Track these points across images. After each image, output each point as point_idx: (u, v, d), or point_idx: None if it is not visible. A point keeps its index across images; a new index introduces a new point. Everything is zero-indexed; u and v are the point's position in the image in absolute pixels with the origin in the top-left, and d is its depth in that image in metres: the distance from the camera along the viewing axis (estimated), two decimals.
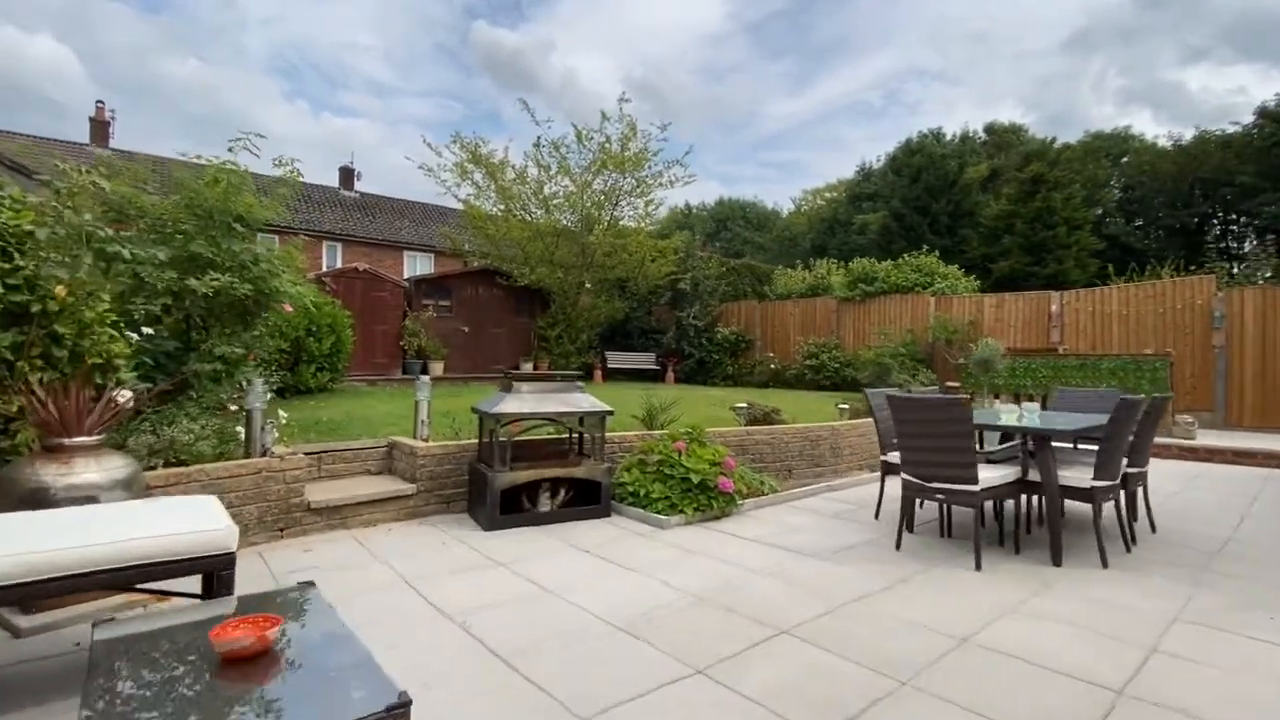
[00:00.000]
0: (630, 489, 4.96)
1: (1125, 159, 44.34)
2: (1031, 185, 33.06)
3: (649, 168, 16.01)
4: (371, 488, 4.69)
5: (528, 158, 15.35)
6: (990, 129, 48.65)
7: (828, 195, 57.96)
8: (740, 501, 5.07)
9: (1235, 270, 12.52)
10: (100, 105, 24.16)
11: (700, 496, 4.81)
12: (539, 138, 15.27)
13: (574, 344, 16.31)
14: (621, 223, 16.71)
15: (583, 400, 4.88)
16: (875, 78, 77.45)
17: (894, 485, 4.75)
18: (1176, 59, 59.50)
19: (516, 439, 4.96)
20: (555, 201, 15.99)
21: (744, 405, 6.53)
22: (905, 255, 14.39)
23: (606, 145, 15.37)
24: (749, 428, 6.24)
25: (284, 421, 5.22)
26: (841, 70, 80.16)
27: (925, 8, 71.33)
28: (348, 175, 28.91)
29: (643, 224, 16.77)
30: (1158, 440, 8.71)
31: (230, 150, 5.36)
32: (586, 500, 4.92)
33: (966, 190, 37.28)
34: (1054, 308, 11.65)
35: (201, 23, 70.08)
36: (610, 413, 4.93)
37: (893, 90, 76.97)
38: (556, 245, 15.63)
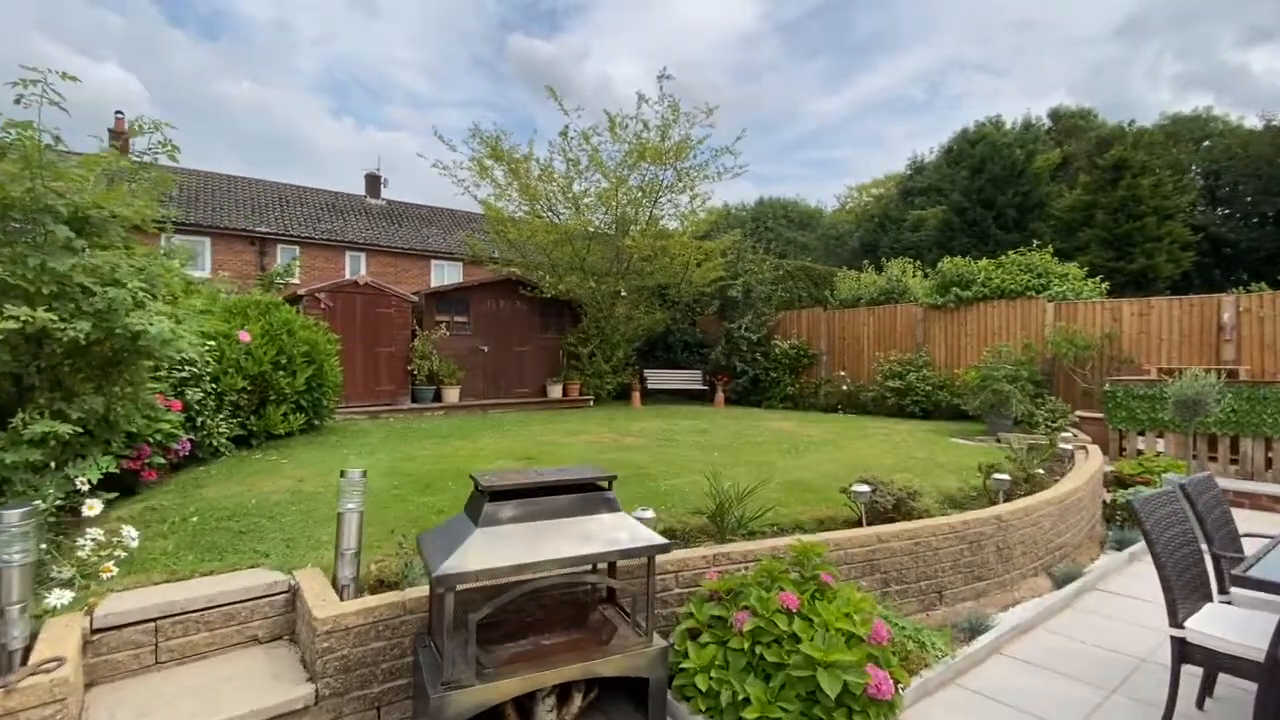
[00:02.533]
0: (696, 682, 2.77)
1: (1206, 143, 40.48)
2: (1114, 172, 29.80)
3: (692, 157, 13.83)
4: (236, 691, 2.61)
5: (554, 149, 13.31)
6: (1055, 114, 45.11)
7: (875, 191, 55.19)
8: (901, 698, 2.83)
9: None
10: (119, 116, 23.16)
11: (837, 713, 2.58)
12: (566, 127, 13.23)
13: (609, 362, 14.20)
14: (661, 222, 14.55)
15: (615, 528, 2.71)
16: (916, 72, 74.51)
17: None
18: (1238, 40, 55.17)
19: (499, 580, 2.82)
20: (586, 200, 13.93)
21: (864, 487, 4.26)
22: (1010, 252, 11.82)
23: (643, 134, 13.25)
24: (878, 529, 3.98)
25: (127, 544, 3.19)
26: (881, 66, 77.41)
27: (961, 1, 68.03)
28: (374, 183, 27.49)
29: (686, 223, 14.56)
30: None
31: (19, 101, 3.29)
32: (624, 698, 2.77)
33: (1036, 180, 34.07)
34: (1226, 316, 8.99)
35: (256, 45, 72.62)
36: (664, 547, 2.74)
37: (935, 84, 73.64)
38: (588, 250, 13.56)
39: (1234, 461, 7.64)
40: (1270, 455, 7.41)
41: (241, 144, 70.49)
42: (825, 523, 4.34)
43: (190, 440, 5.78)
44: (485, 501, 2.54)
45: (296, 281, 13.90)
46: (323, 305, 10.70)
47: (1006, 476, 4.92)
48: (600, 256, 13.87)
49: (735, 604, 2.99)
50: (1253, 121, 38.92)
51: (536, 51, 78.36)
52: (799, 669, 2.65)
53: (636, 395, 14.38)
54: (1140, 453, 8.26)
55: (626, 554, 2.69)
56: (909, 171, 48.51)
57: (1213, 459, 7.81)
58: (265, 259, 21.28)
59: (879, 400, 12.24)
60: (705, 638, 2.94)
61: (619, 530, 2.73)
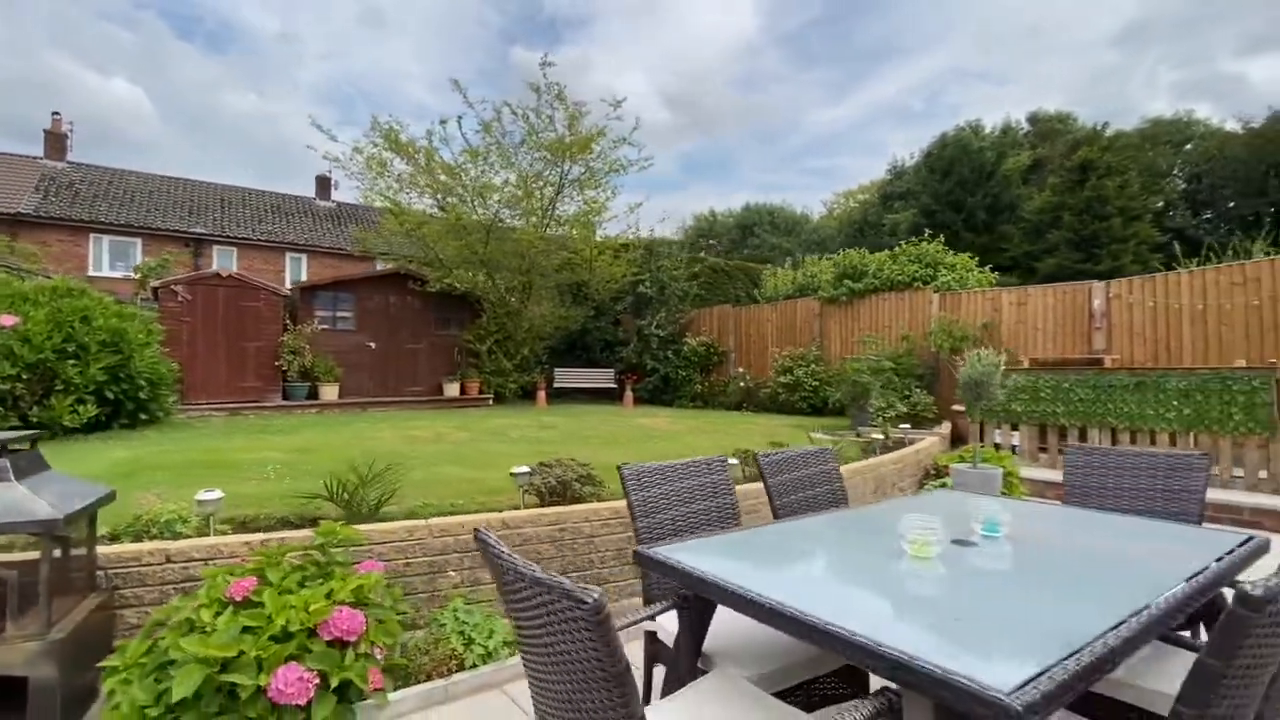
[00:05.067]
0: (106, 686, 2.32)
1: (1188, 146, 40.16)
2: (1080, 173, 29.35)
3: (599, 146, 13.41)
4: None
5: (432, 137, 12.93)
6: (1034, 118, 44.72)
7: (861, 197, 55.01)
8: (355, 708, 2.36)
9: None
10: (56, 117, 22.97)
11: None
12: (459, 118, 12.87)
13: (512, 360, 13.77)
14: (568, 217, 14.16)
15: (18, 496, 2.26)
16: (918, 81, 74.58)
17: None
18: (1236, 49, 55.01)
19: None
20: (495, 196, 13.52)
21: (525, 469, 3.81)
22: (904, 243, 11.36)
23: (536, 125, 12.87)
24: (506, 514, 3.52)
25: None
26: (882, 75, 77.62)
27: (968, 9, 68.21)
28: (324, 185, 27.24)
29: (593, 218, 14.16)
30: (1254, 504, 5.59)
31: None
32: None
33: (1006, 183, 33.68)
34: (1096, 303, 8.50)
35: (265, 59, 73.48)
36: (89, 509, 2.29)
37: (935, 92, 73.60)
38: (486, 244, 13.15)
39: None
40: (1117, 447, 6.90)
41: (250, 155, 71.44)
42: (489, 505, 3.89)
43: None
44: None
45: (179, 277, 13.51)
46: (179, 298, 10.32)
47: (735, 460, 4.45)
48: (500, 251, 13.47)
49: (195, 597, 2.54)
50: (1233, 125, 38.51)
51: (537, 64, 78.91)
52: (191, 668, 2.19)
53: (542, 394, 13.93)
54: (997, 445, 7.78)
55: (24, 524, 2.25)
56: (890, 176, 48.29)
57: (1062, 451, 7.30)
58: (200, 260, 20.98)
59: (773, 397, 11.77)
60: (156, 638, 2.48)
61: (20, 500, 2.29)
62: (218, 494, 3.21)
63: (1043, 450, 7.47)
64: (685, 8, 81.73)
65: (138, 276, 10.84)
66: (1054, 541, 2.17)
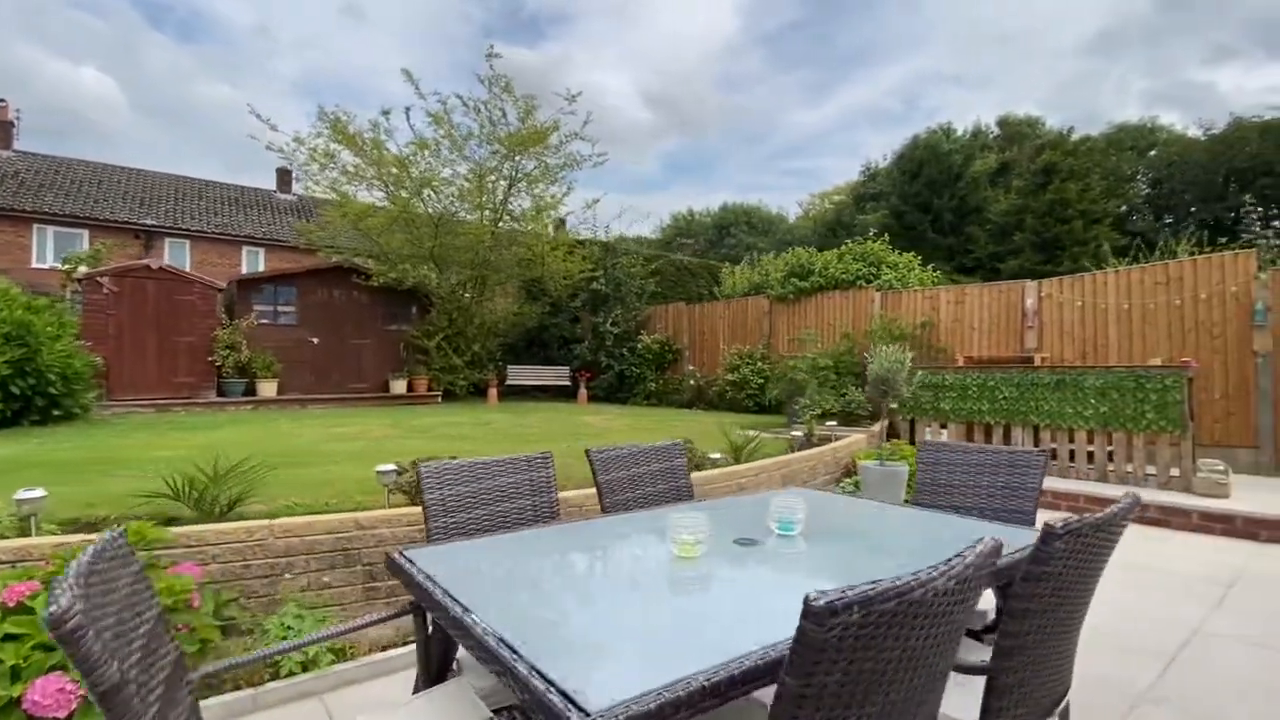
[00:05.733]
0: None
1: (1153, 152, 41.11)
2: (1043, 176, 29.81)
3: (556, 139, 13.25)
4: None
5: (377, 128, 12.70)
6: (1003, 122, 45.37)
7: (836, 198, 55.52)
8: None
9: None
10: (3, 104, 22.22)
11: None
12: (406, 109, 12.65)
13: (462, 356, 13.56)
14: (519, 210, 13.99)
15: None
16: (896, 84, 75.45)
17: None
18: (1204, 59, 56.49)
19: None
20: (448, 190, 13.29)
21: (390, 467, 3.66)
22: (849, 241, 11.37)
23: (493, 117, 12.69)
24: (386, 512, 3.37)
25: None
26: (861, 78, 78.41)
27: (944, 14, 69.16)
28: (285, 177, 26.68)
29: (545, 214, 14.01)
30: (1161, 502, 5.62)
31: None
32: None
33: (973, 185, 34.10)
34: (1029, 302, 8.55)
35: (239, 49, 72.04)
36: None
37: (913, 95, 74.48)
38: (435, 237, 12.92)
39: None
40: (1039, 445, 6.93)
41: (221, 146, 70.11)
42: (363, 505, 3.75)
43: None
44: None
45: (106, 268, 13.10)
46: (105, 290, 9.98)
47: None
48: (451, 245, 13.26)
49: None
50: (1195, 131, 39.45)
51: (520, 60, 78.35)
52: None
53: (494, 391, 13.75)
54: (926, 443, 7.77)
55: None
56: (864, 178, 48.73)
57: None
58: (151, 253, 20.41)
59: (722, 395, 11.72)
60: None
61: None
62: (39, 493, 3.03)
63: None
64: (666, 7, 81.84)
65: (65, 268, 10.47)
66: (834, 542, 2.08)
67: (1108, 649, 2.98)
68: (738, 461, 5.57)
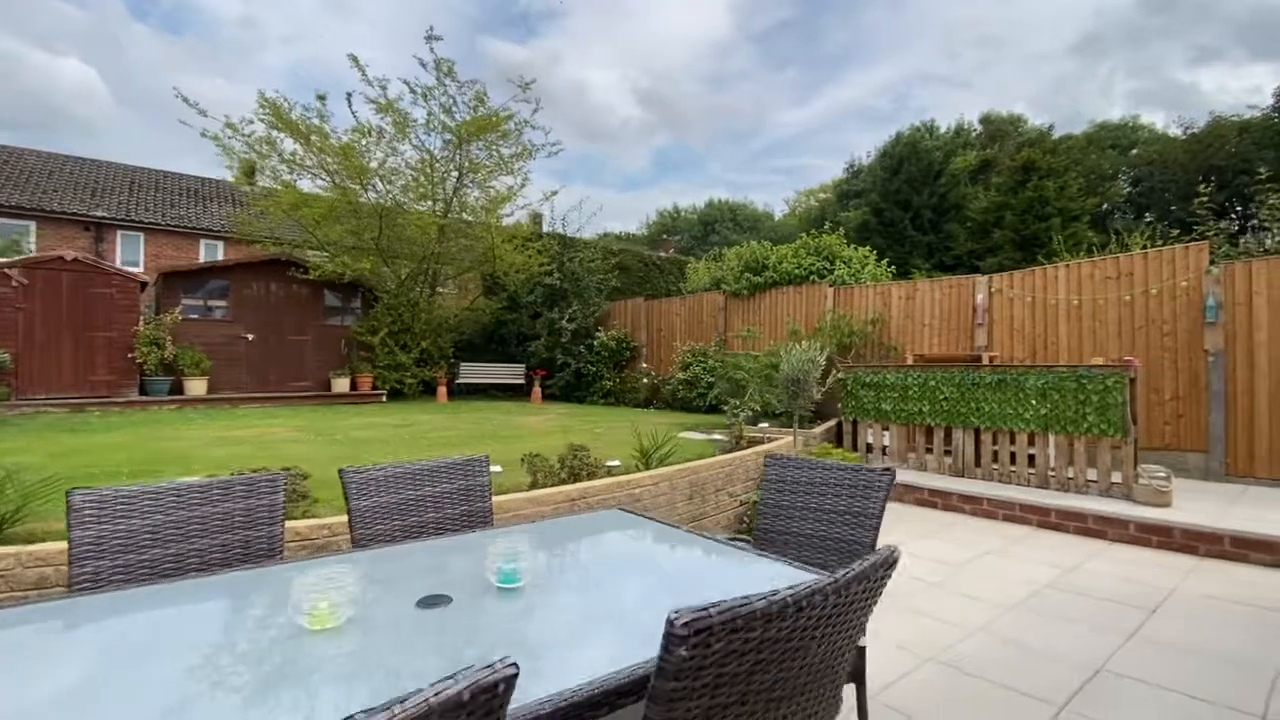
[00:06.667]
0: None
1: (1134, 151, 41.19)
2: (1022, 174, 29.61)
3: (511, 126, 12.76)
4: None
5: (310, 113, 12.18)
6: (986, 119, 45.26)
7: (821, 195, 55.42)
8: None
9: (1245, 237, 9.00)
10: None
11: None
12: (348, 95, 12.13)
13: (409, 353, 13.04)
14: (473, 199, 13.51)
15: None
16: (884, 83, 75.46)
17: None
18: (1188, 60, 56.87)
19: None
20: (395, 180, 12.78)
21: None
22: (805, 235, 10.96)
23: (444, 104, 12.19)
24: None
25: None
26: (850, 78, 78.39)
27: (933, 15, 69.20)
28: (251, 170, 25.98)
29: (497, 205, 13.52)
30: (1098, 511, 5.23)
31: None
32: None
33: (953, 182, 33.89)
34: (979, 298, 8.16)
35: (223, 42, 70.94)
36: None
37: (901, 95, 74.48)
38: (380, 228, 12.40)
39: (947, 453, 6.77)
40: (980, 448, 6.55)
41: (206, 141, 69.24)
42: None
43: None
44: None
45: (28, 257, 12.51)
46: (14, 282, 9.41)
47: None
48: (397, 237, 12.76)
49: None
50: (1175, 130, 39.53)
51: (510, 56, 77.60)
52: None
53: (443, 390, 13.27)
54: (869, 445, 7.39)
55: None
56: (847, 175, 48.57)
57: (929, 450, 6.95)
58: (103, 246, 19.73)
59: (674, 394, 11.29)
60: None
61: None
62: None
63: (912, 451, 7.10)
64: (656, 3, 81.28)
65: None
66: (559, 600, 1.59)
67: (989, 697, 2.57)
68: (647, 467, 5.14)
